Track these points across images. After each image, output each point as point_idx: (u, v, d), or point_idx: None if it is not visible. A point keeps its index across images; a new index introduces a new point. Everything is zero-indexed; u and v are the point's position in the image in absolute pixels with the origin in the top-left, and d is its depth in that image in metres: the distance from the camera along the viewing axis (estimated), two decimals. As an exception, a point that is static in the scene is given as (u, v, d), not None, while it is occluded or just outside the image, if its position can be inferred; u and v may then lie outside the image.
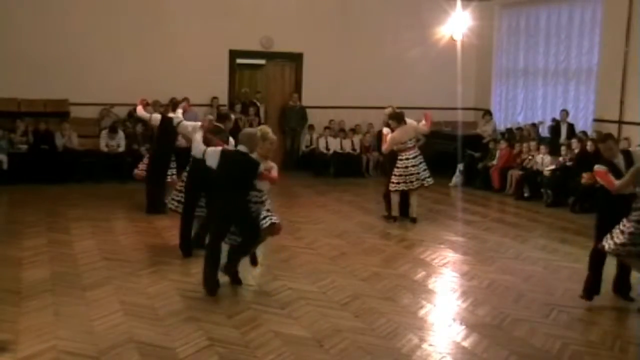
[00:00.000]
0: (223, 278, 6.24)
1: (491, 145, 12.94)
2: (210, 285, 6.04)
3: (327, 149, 13.85)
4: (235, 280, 6.35)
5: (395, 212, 9.40)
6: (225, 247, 6.23)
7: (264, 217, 6.20)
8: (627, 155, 6.05)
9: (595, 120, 12.52)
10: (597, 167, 5.95)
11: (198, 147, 6.37)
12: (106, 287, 6.19)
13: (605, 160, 5.97)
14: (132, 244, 7.80)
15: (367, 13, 14.42)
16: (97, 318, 5.40)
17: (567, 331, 5.50)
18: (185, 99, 10.35)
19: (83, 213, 9.26)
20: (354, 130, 14.19)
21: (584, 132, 11.86)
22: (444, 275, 7.10)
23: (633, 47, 11.69)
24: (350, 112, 14.29)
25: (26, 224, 8.48)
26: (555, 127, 12.63)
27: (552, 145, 11.96)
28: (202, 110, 12.34)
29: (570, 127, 12.39)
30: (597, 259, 6.11)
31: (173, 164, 9.29)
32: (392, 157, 9.30)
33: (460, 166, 12.92)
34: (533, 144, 12.02)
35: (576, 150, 11.04)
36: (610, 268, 6.23)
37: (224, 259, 6.20)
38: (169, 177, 9.22)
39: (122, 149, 12.03)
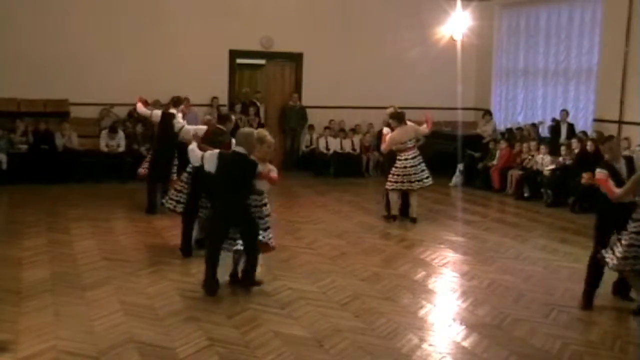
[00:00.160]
0: (222, 278, 6.24)
1: (491, 145, 12.94)
2: (210, 287, 6.03)
3: (327, 149, 13.85)
4: (236, 281, 6.35)
5: (394, 211, 9.40)
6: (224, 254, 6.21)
7: (265, 229, 6.18)
8: (630, 161, 5.98)
9: (595, 120, 12.52)
10: (598, 172, 5.87)
11: (194, 155, 6.31)
12: (106, 287, 6.19)
13: (606, 163, 5.91)
14: (132, 244, 7.80)
15: (367, 13, 14.42)
16: (97, 318, 5.40)
17: (567, 331, 5.50)
18: (186, 99, 10.36)
19: (83, 213, 9.26)
20: (354, 130, 14.19)
21: (584, 132, 11.86)
22: (444, 275, 7.10)
23: (633, 47, 11.69)
24: (350, 112, 14.30)
25: (26, 224, 8.47)
26: (555, 127, 12.62)
27: (552, 145, 11.96)
28: (202, 110, 12.37)
29: (570, 127, 12.39)
30: (596, 270, 6.06)
31: (175, 161, 9.19)
32: (391, 156, 9.31)
33: (460, 166, 12.93)
34: (533, 144, 12.03)
35: (576, 150, 11.04)
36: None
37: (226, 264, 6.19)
38: (173, 174, 9.12)
39: (122, 149, 12.03)
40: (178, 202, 7.48)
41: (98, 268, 6.77)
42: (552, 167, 11.30)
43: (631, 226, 5.62)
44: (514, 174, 11.99)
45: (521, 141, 12.49)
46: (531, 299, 6.28)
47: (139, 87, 11.66)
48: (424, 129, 9.33)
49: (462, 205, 11.05)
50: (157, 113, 9.27)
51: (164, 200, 7.65)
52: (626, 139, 11.06)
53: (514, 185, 11.95)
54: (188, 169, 7.39)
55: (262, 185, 6.13)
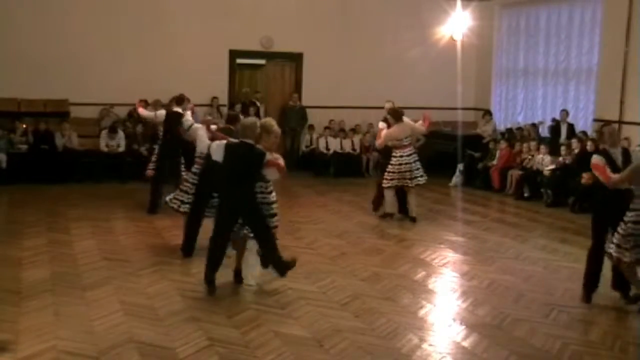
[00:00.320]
0: (223, 278, 6.25)
1: (491, 145, 12.94)
2: (211, 284, 6.04)
3: (327, 149, 13.85)
4: (240, 280, 6.35)
5: (389, 209, 9.40)
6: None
7: (272, 216, 6.17)
8: (626, 153, 6.06)
9: (595, 120, 12.51)
10: (594, 157, 5.93)
11: (202, 142, 6.36)
12: (106, 287, 6.19)
13: (603, 150, 5.96)
14: (132, 244, 7.80)
15: (367, 13, 14.43)
16: (97, 318, 5.40)
17: (567, 331, 5.50)
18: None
19: (83, 213, 9.26)
20: (354, 130, 14.20)
21: (584, 132, 11.87)
22: (444, 275, 7.10)
23: (633, 47, 11.69)
24: (350, 112, 14.30)
25: (26, 224, 8.47)
26: (555, 127, 12.63)
27: (552, 145, 11.96)
28: (202, 110, 12.36)
29: (570, 127, 12.40)
30: (594, 264, 6.09)
31: (182, 160, 9.13)
32: (386, 152, 9.32)
33: (460, 166, 12.92)
34: (533, 144, 12.03)
35: (576, 150, 11.03)
36: (609, 264, 6.21)
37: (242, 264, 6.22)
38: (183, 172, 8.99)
39: (122, 149, 12.03)
40: (182, 202, 7.46)
41: (98, 268, 6.77)
42: (552, 167, 11.30)
43: (628, 216, 5.67)
44: (514, 174, 11.99)
45: (521, 141, 12.49)
46: (531, 299, 6.28)
47: (139, 87, 11.70)
48: (421, 126, 9.31)
49: (462, 205, 11.05)
50: (162, 113, 9.23)
51: (167, 199, 7.62)
52: (626, 139, 11.05)
53: (514, 185, 11.95)
54: (194, 169, 7.37)
55: (271, 174, 6.05)
